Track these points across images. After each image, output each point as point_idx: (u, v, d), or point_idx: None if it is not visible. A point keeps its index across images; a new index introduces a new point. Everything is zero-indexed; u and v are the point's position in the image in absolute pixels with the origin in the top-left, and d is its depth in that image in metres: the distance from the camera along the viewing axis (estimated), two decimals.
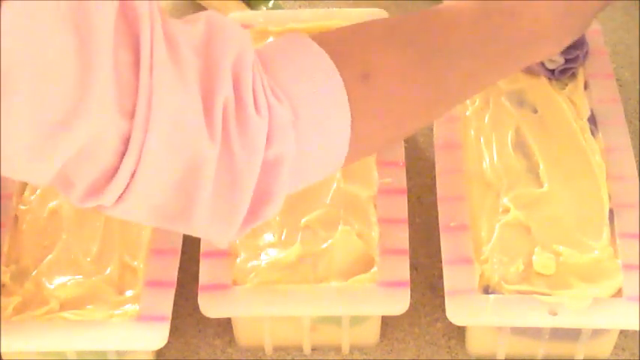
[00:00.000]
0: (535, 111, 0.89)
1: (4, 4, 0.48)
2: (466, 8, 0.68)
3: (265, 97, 0.60)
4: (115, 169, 0.56)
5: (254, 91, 0.60)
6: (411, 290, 0.78)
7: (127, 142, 0.55)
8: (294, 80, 0.62)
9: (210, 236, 0.64)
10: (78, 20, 0.51)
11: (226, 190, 0.60)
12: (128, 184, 0.57)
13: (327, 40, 0.65)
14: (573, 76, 0.91)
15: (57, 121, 0.52)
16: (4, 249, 0.82)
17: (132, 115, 0.55)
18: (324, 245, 0.81)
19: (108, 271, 0.81)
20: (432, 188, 0.85)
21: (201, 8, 1.07)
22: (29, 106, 0.51)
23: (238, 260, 0.80)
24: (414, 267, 0.85)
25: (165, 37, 0.56)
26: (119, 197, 0.58)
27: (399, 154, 0.87)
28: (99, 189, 0.57)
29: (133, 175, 0.57)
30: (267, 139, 0.60)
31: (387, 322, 0.84)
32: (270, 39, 0.93)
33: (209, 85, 0.58)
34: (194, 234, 0.64)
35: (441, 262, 0.79)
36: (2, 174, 0.56)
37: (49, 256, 0.82)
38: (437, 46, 0.67)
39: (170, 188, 0.59)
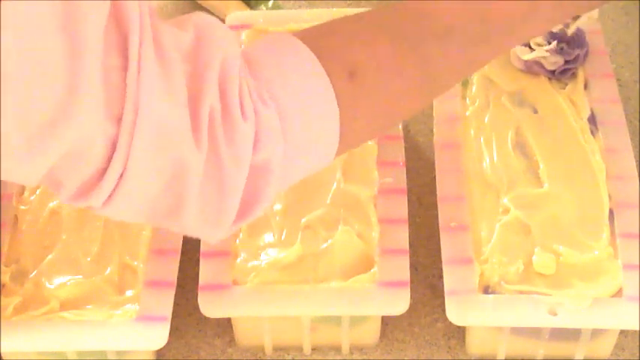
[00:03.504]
0: (535, 111, 0.89)
1: (2, 3, 0.48)
2: None
3: (252, 103, 0.60)
4: (103, 171, 0.57)
5: (240, 97, 0.60)
6: (411, 290, 0.78)
7: (114, 145, 0.56)
8: (280, 81, 0.62)
9: (201, 235, 0.65)
10: (70, 23, 0.51)
11: (214, 195, 0.60)
12: (116, 186, 0.57)
13: (311, 36, 0.65)
14: (573, 76, 0.91)
15: (45, 123, 0.52)
16: (4, 249, 0.82)
17: (119, 119, 0.55)
18: (324, 245, 0.81)
19: (108, 271, 0.81)
20: (432, 188, 0.85)
21: (202, 8, 1.06)
22: (17, 107, 0.51)
23: (238, 260, 0.80)
24: (414, 267, 0.85)
25: (155, 42, 0.56)
26: (108, 198, 0.58)
27: (399, 154, 0.87)
28: (88, 190, 0.58)
29: (120, 177, 0.57)
30: (255, 145, 0.60)
31: (387, 322, 0.84)
32: None
33: (196, 92, 0.58)
34: (185, 233, 0.65)
35: (441, 262, 0.79)
36: None
37: (49, 256, 0.82)
38: (422, 35, 0.66)
39: (158, 190, 0.59)
